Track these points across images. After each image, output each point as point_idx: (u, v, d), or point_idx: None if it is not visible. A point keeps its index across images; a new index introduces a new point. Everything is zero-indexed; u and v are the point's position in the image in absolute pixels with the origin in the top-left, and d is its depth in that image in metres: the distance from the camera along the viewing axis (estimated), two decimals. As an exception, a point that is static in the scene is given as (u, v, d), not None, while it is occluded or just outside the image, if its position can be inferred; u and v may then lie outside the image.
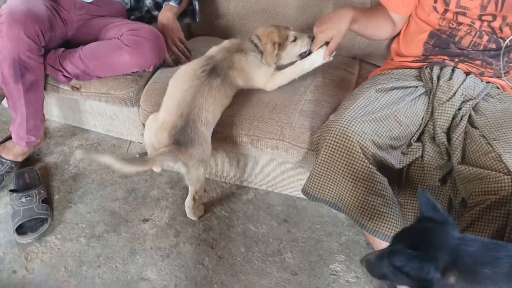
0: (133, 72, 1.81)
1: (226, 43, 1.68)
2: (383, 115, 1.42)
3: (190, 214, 1.74)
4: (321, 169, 1.41)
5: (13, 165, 1.88)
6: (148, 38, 1.71)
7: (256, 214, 1.83)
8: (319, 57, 1.63)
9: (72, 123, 2.17)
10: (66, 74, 1.78)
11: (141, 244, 1.69)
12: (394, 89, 1.53)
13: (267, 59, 1.61)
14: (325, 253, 1.69)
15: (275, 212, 1.84)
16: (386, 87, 1.52)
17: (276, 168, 1.80)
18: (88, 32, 1.87)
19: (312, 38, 1.62)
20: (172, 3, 1.96)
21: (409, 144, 1.50)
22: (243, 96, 1.68)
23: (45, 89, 1.82)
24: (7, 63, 1.63)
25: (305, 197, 1.48)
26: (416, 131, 1.51)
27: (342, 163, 1.35)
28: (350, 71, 1.89)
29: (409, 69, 1.63)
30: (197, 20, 2.10)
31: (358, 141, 1.33)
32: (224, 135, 1.62)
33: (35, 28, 1.61)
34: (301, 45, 1.65)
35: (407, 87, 1.54)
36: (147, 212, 1.81)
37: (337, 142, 1.36)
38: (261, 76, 1.67)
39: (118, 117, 1.99)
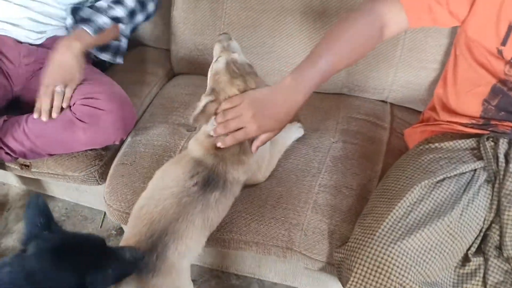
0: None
1: (201, 139, 1.16)
2: (433, 231, 1.00)
3: None
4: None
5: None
6: (108, 110, 1.27)
7: (262, 314, 1.45)
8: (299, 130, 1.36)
9: (35, 189, 1.78)
10: (10, 152, 1.37)
11: None
12: (445, 179, 1.09)
13: None
14: None
15: (286, 311, 1.46)
16: (434, 181, 1.08)
17: (285, 265, 1.40)
18: (39, 88, 1.44)
19: None
20: (85, 27, 1.37)
21: (465, 259, 1.08)
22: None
23: (-11, 164, 1.43)
24: None
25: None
26: (476, 239, 1.08)
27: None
28: (379, 124, 1.44)
29: (462, 140, 1.18)
30: (120, 62, 1.60)
31: (398, 279, 0.93)
32: (214, 241, 1.21)
33: None
34: None
35: (462, 174, 1.10)
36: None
37: (370, 276, 0.96)
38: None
39: (85, 190, 1.59)
